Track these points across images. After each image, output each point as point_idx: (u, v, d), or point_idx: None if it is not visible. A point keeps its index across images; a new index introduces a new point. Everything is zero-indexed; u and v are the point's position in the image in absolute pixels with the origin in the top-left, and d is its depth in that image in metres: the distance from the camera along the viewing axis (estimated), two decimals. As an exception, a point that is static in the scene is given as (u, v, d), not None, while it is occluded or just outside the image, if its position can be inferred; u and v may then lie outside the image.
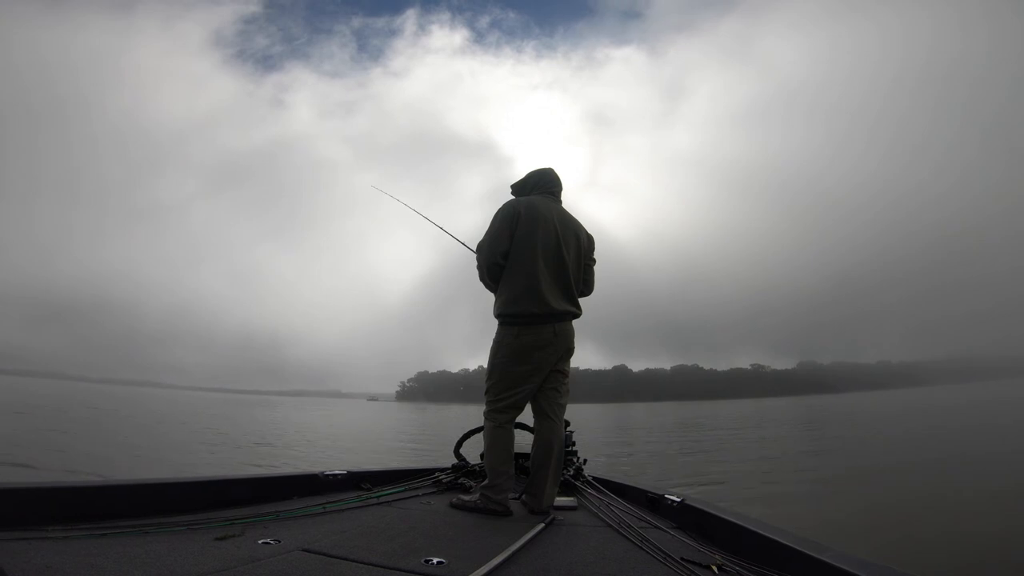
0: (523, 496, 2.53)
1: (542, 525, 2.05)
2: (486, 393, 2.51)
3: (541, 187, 2.64)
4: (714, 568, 1.56)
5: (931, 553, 4.13)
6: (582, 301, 2.61)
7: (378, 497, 2.41)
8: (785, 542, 1.54)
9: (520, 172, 2.75)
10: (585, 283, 2.66)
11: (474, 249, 2.67)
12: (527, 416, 2.59)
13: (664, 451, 13.30)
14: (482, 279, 2.61)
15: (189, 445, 12.41)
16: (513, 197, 2.66)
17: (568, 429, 2.90)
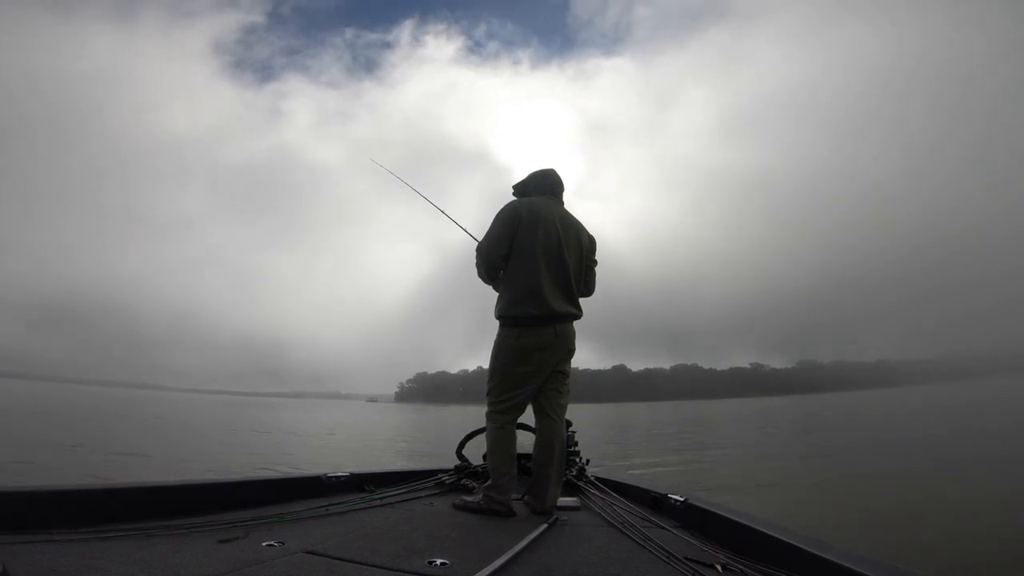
0: (526, 496, 2.53)
1: (545, 525, 2.05)
2: (488, 394, 2.51)
3: (543, 188, 2.64)
4: (718, 567, 1.56)
5: (933, 552, 4.14)
6: (582, 302, 2.61)
7: (381, 499, 2.41)
8: (789, 541, 1.54)
9: (516, 179, 2.73)
10: (586, 284, 2.66)
11: (476, 239, 2.69)
12: (528, 416, 2.59)
13: (664, 451, 13.31)
14: (480, 277, 2.62)
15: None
16: (514, 198, 2.66)
17: (570, 429, 2.90)
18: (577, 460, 3.12)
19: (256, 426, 22.07)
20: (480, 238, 2.63)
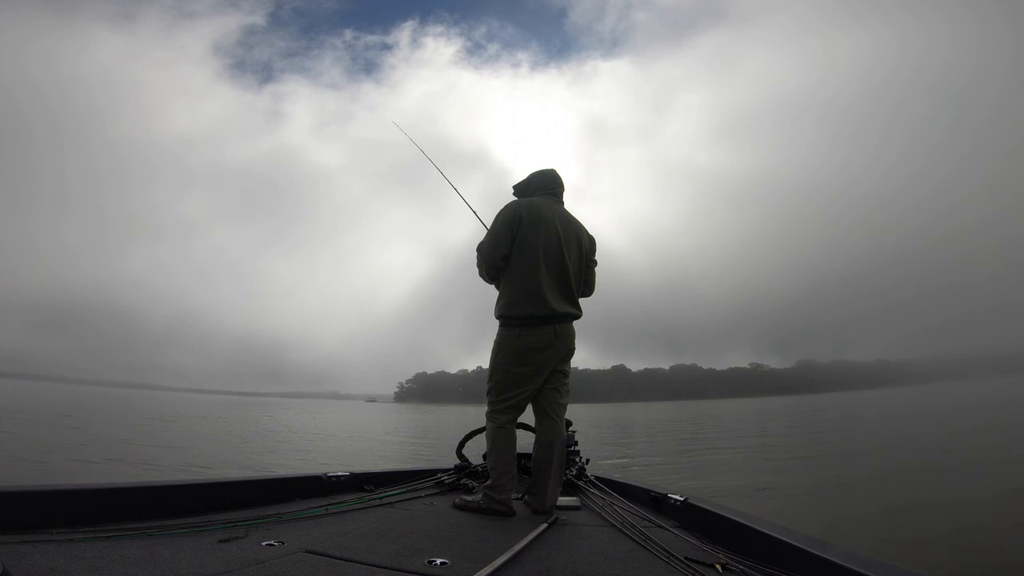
0: (526, 496, 2.53)
1: (545, 525, 2.05)
2: (488, 394, 2.52)
3: (543, 188, 2.64)
4: (718, 567, 1.56)
5: (933, 552, 4.14)
6: (582, 302, 2.61)
7: (381, 498, 2.41)
8: (790, 541, 1.54)
9: (516, 180, 2.73)
10: (586, 284, 2.66)
11: (485, 225, 2.69)
12: (528, 416, 2.59)
13: (664, 451, 13.32)
14: (481, 276, 2.63)
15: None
16: (515, 198, 2.66)
17: (570, 429, 2.90)
18: (577, 460, 3.12)
19: (260, 426, 22.34)
20: (487, 224, 2.63)
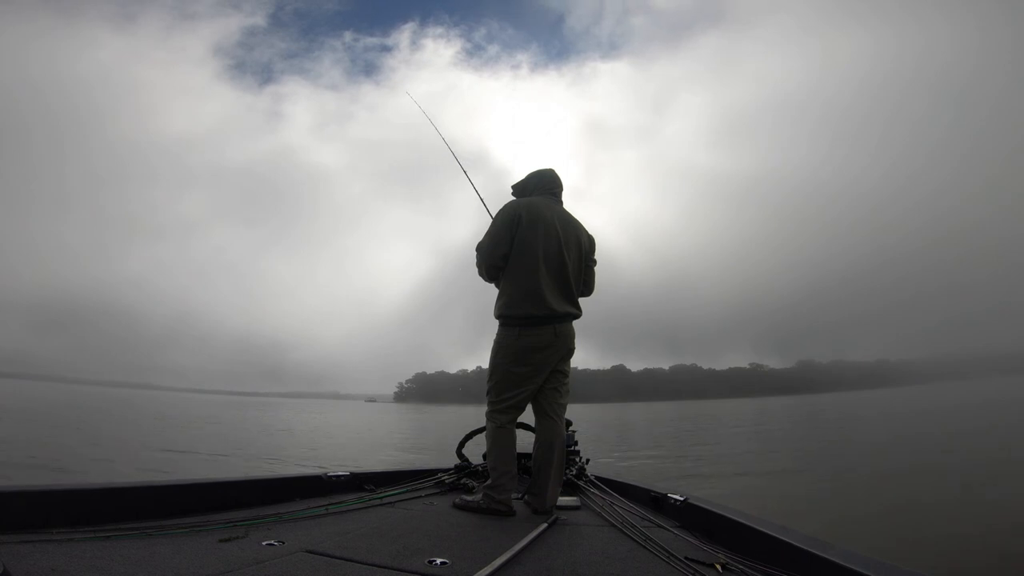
0: (526, 496, 2.53)
1: (545, 525, 2.05)
2: (488, 394, 2.52)
3: (542, 188, 2.64)
4: (718, 567, 1.56)
5: (933, 552, 4.14)
6: (582, 302, 2.61)
7: (381, 498, 2.41)
8: (790, 541, 1.54)
9: (515, 181, 2.73)
10: (586, 284, 2.66)
11: (490, 214, 2.70)
12: (528, 416, 2.59)
13: (663, 450, 13.32)
14: (481, 275, 2.63)
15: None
16: (514, 198, 2.66)
17: (571, 429, 2.90)
18: (577, 459, 3.12)
19: (265, 426, 22.46)
20: (491, 212, 2.63)
